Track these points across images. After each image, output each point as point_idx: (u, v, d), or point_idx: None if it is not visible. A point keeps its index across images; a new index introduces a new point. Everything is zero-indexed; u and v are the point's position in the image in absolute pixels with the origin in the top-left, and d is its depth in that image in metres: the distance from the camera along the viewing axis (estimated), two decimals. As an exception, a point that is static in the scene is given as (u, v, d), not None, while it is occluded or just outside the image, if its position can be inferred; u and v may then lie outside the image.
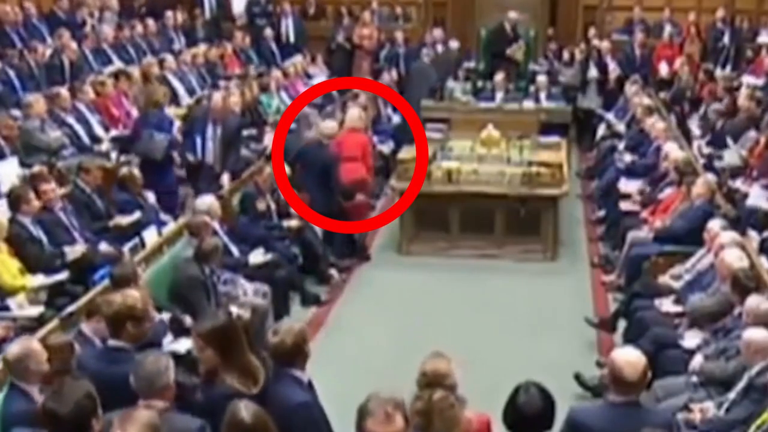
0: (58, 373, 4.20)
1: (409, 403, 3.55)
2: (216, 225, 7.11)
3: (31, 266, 6.41)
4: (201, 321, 4.23)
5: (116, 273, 5.71)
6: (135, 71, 11.07)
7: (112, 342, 4.52)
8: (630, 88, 12.39)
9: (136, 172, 8.03)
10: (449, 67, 13.79)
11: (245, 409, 3.50)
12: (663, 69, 13.78)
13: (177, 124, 9.40)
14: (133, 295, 4.74)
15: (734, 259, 6.01)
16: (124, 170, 8.08)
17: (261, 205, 8.09)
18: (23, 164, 8.21)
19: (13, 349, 4.26)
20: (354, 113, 9.82)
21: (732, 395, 4.89)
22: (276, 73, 12.60)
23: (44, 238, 6.71)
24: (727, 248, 6.23)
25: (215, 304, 6.44)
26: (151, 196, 8.16)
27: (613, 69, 13.53)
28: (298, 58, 13.69)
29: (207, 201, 7.28)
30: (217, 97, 9.25)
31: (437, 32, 14.56)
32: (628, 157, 10.21)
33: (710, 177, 8.46)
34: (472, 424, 3.88)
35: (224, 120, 9.08)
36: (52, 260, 6.57)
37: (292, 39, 14.69)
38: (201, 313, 6.17)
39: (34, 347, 4.28)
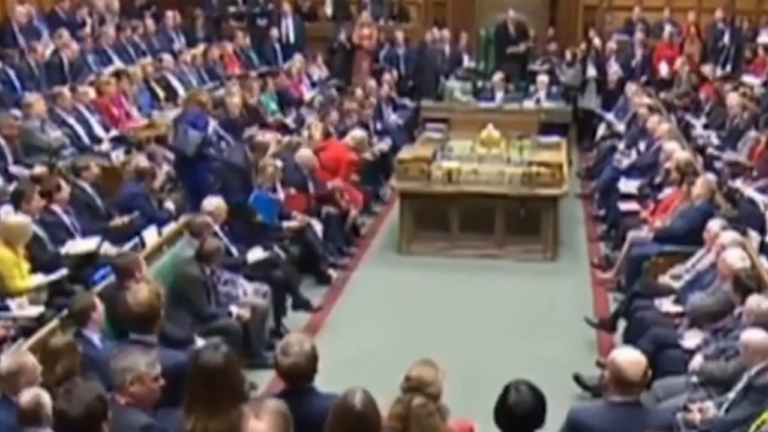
0: (68, 374, 4.23)
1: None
2: (216, 227, 7.09)
3: (34, 265, 6.40)
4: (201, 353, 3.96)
5: (120, 263, 5.79)
6: (135, 71, 11.07)
7: (134, 336, 4.58)
8: (630, 88, 12.40)
9: (157, 170, 8.13)
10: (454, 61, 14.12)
11: (357, 396, 3.47)
12: (663, 69, 13.78)
13: (212, 124, 9.37)
14: (155, 284, 4.92)
15: (736, 259, 6.01)
16: (144, 164, 8.08)
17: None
18: (22, 164, 8.23)
19: (4, 363, 4.25)
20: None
21: (732, 395, 4.88)
22: (283, 73, 12.64)
23: (46, 238, 6.69)
24: (729, 248, 6.22)
25: (215, 304, 6.46)
26: (170, 205, 8.15)
27: (615, 70, 13.53)
28: (297, 58, 13.70)
29: (214, 202, 7.27)
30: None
31: (444, 32, 14.62)
32: (628, 158, 10.21)
33: (710, 177, 8.45)
34: None
35: None
36: (55, 259, 6.55)
37: (292, 39, 14.69)
38: (202, 312, 6.26)
39: (26, 361, 4.30)
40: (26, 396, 3.93)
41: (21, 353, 4.54)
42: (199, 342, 5.83)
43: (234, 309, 6.47)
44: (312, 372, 3.90)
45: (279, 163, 8.52)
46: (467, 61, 14.35)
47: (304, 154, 9.11)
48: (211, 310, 6.37)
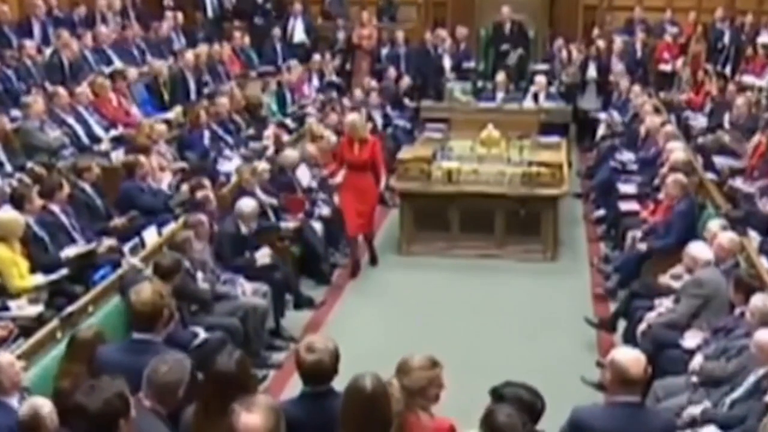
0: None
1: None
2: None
3: (34, 266, 6.39)
4: (216, 359, 3.90)
5: (162, 263, 5.88)
6: (135, 71, 11.06)
7: (137, 335, 4.54)
8: (632, 88, 12.38)
9: (142, 158, 8.10)
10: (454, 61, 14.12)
11: (368, 379, 3.51)
12: (664, 69, 13.77)
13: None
14: (159, 285, 4.92)
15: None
16: (128, 158, 8.12)
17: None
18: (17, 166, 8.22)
19: None
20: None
21: (735, 395, 4.87)
22: (284, 74, 12.62)
23: (46, 238, 6.69)
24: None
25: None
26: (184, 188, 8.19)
27: (620, 70, 13.52)
28: (317, 58, 13.74)
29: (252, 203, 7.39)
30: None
31: (444, 32, 14.62)
32: (626, 156, 10.21)
33: (680, 175, 8.26)
34: (425, 430, 3.75)
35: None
36: (54, 261, 6.54)
37: (303, 39, 14.68)
38: (198, 296, 6.37)
39: (2, 361, 4.31)
40: (24, 408, 3.98)
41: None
42: (202, 334, 5.90)
43: (244, 284, 6.69)
44: (334, 372, 3.84)
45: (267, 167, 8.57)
46: (467, 61, 14.34)
47: (289, 155, 9.14)
48: (206, 289, 6.46)
